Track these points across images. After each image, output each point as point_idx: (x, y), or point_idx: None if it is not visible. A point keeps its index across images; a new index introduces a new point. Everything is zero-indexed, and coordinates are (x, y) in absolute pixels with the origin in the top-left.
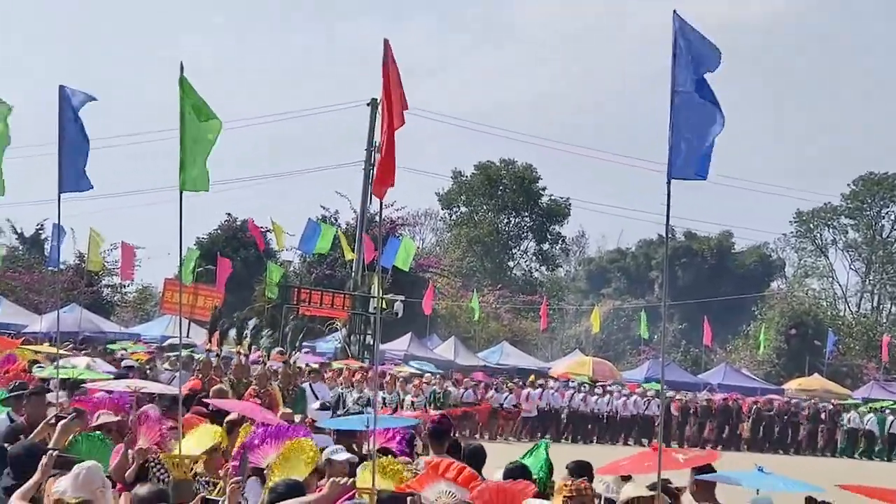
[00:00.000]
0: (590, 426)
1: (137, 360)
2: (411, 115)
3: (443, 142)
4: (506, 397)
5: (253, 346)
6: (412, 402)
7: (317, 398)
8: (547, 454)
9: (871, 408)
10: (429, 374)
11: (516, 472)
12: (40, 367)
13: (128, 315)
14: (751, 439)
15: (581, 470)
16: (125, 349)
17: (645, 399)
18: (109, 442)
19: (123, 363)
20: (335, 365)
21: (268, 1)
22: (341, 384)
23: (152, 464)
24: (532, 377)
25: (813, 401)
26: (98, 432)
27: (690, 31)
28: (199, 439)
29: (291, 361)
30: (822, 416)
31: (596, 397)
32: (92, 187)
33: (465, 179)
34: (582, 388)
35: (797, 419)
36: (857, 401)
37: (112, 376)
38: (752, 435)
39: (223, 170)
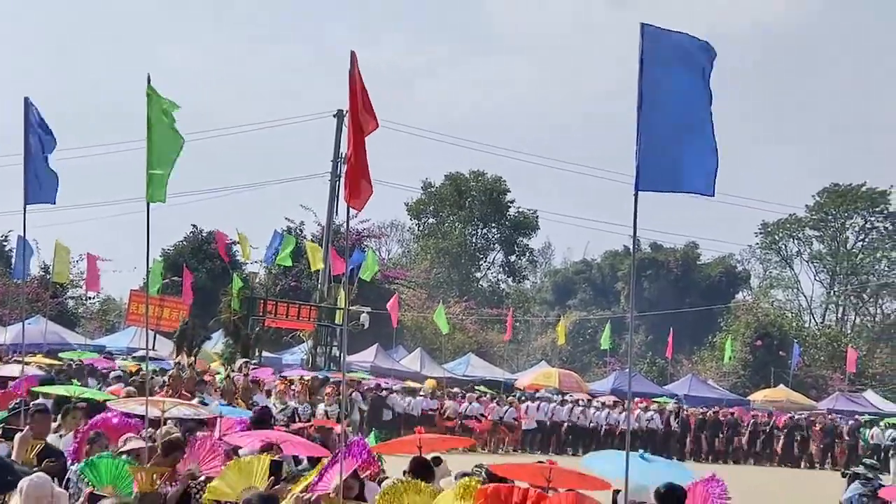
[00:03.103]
0: (590, 439)
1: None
2: (380, 127)
3: (408, 153)
4: (506, 410)
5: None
6: (325, 412)
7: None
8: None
9: (887, 423)
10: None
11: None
12: None
13: (93, 327)
14: (750, 452)
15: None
16: (75, 358)
17: (648, 413)
18: (133, 464)
19: (112, 375)
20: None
21: (236, 13)
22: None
23: (195, 489)
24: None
25: (830, 416)
26: (123, 457)
27: (668, 39)
28: (241, 474)
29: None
30: (841, 431)
31: (594, 410)
32: (54, 202)
33: (434, 191)
34: (580, 402)
35: (804, 433)
36: (874, 416)
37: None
38: (749, 448)
39: (189, 181)
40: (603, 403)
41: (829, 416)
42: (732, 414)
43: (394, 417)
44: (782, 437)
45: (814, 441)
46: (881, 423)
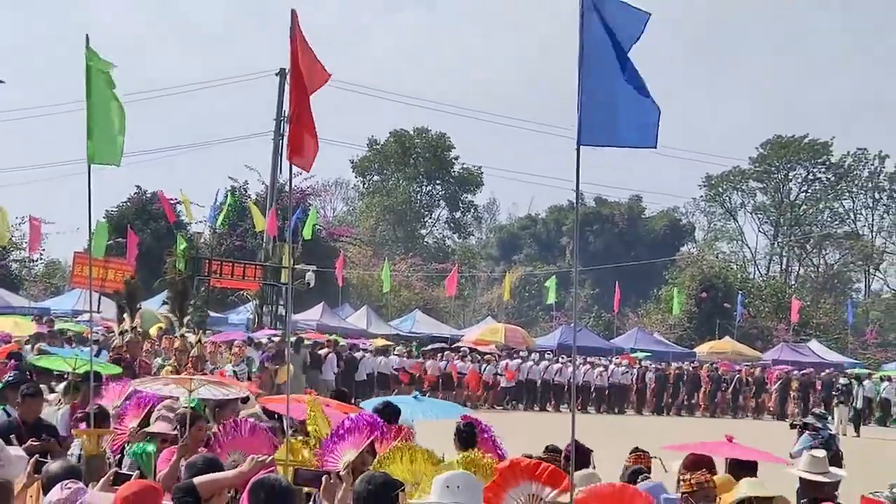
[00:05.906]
0: (561, 395)
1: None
2: (325, 85)
3: (353, 111)
4: (485, 368)
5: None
6: (234, 372)
7: None
8: None
9: (881, 377)
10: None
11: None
12: None
13: (37, 289)
14: (737, 406)
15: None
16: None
17: (621, 369)
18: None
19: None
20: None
21: None
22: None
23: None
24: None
25: (834, 371)
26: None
27: None
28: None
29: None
30: (838, 385)
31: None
32: None
33: (380, 148)
34: (559, 359)
35: (796, 390)
36: (865, 370)
37: None
38: (734, 402)
39: (131, 142)
40: (584, 360)
41: (835, 372)
42: (717, 369)
43: (367, 377)
44: (774, 390)
45: (812, 395)
46: (874, 377)
